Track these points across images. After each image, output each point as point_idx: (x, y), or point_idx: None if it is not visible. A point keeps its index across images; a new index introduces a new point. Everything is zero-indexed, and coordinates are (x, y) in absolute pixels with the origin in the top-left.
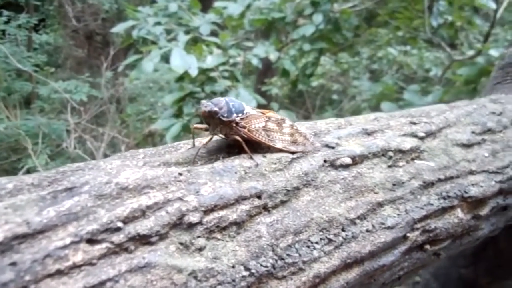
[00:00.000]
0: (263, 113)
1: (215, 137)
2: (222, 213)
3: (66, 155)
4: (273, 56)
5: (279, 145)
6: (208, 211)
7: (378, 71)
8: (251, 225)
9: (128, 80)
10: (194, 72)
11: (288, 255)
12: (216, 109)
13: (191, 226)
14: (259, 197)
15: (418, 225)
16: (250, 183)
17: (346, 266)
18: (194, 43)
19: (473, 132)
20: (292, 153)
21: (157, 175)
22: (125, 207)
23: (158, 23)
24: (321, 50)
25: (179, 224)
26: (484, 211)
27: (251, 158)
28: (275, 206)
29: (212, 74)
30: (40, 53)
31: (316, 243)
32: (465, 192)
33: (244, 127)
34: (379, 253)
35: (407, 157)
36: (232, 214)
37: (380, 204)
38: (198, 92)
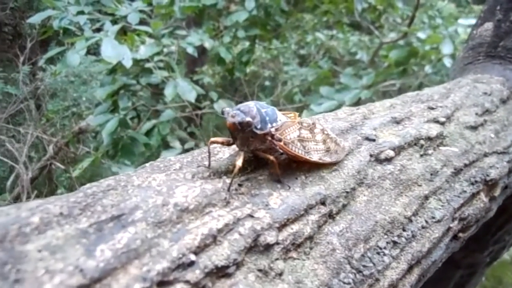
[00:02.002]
0: (293, 119)
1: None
2: (295, 227)
3: None
4: (208, 44)
5: (315, 157)
6: (281, 226)
7: (306, 56)
8: (321, 236)
9: (52, 73)
10: (128, 63)
11: (364, 266)
12: (248, 119)
13: (267, 247)
14: (323, 203)
15: (457, 214)
16: (313, 189)
17: (409, 269)
18: (123, 33)
19: (476, 114)
20: (328, 165)
21: (217, 189)
22: (194, 234)
23: (81, 12)
24: (255, 36)
25: (254, 246)
26: (497, 192)
27: (279, 181)
28: (338, 212)
29: (147, 65)
30: None
31: (385, 248)
32: (487, 175)
33: (280, 140)
34: (432, 250)
35: (434, 144)
36: (305, 227)
37: (426, 197)
38: (133, 85)
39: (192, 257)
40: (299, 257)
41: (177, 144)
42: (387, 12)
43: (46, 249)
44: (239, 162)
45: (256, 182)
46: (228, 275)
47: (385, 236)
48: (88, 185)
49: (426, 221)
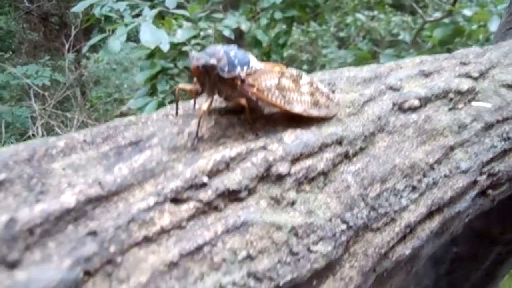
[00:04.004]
0: (273, 68)
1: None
2: (308, 162)
3: None
4: (244, 26)
5: (297, 108)
6: (294, 160)
7: (345, 38)
8: (336, 174)
9: (95, 61)
10: (165, 47)
11: (379, 205)
12: (213, 61)
13: (279, 178)
14: (340, 143)
15: (485, 169)
16: (329, 129)
17: (429, 214)
18: (161, 17)
19: None
20: (315, 119)
21: (232, 123)
22: (207, 159)
23: None
24: (293, 18)
25: (267, 176)
26: None
27: (251, 129)
28: (355, 154)
29: (184, 48)
30: None
31: (403, 190)
32: None
33: (253, 86)
34: (456, 199)
35: (465, 98)
36: (319, 163)
37: (452, 148)
38: (171, 68)
39: (205, 179)
40: (312, 190)
41: None
42: None
43: (70, 167)
44: (204, 106)
45: (271, 119)
46: (240, 199)
47: (404, 180)
48: (114, 120)
49: (450, 171)
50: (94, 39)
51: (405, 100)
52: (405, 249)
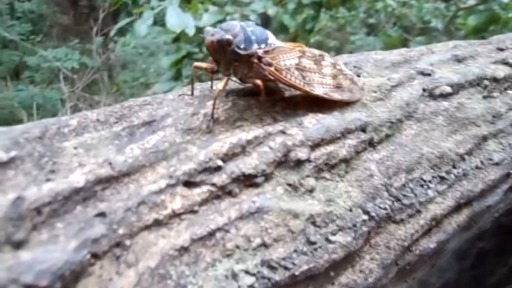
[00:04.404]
0: (293, 47)
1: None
2: (330, 148)
3: None
4: (271, 11)
5: (318, 90)
6: (315, 145)
7: (375, 25)
8: (359, 162)
9: (122, 44)
10: (191, 31)
11: (403, 195)
12: (228, 36)
13: (298, 164)
14: (363, 130)
15: None
16: (353, 114)
17: (457, 207)
18: (187, 1)
19: None
20: (338, 103)
21: (250, 105)
22: (222, 142)
23: None
24: (321, 3)
25: (285, 162)
26: None
27: (261, 118)
28: (380, 141)
29: None
30: (24, 22)
31: (430, 181)
32: None
33: (270, 65)
34: (486, 193)
35: (501, 86)
36: (341, 150)
37: (485, 138)
38: (196, 53)
39: (219, 162)
40: (333, 178)
41: None
42: None
43: (82, 146)
44: (219, 85)
45: (291, 102)
46: (256, 185)
47: (432, 170)
48: (129, 100)
49: (482, 162)
50: (121, 23)
51: (436, 86)
52: (429, 243)
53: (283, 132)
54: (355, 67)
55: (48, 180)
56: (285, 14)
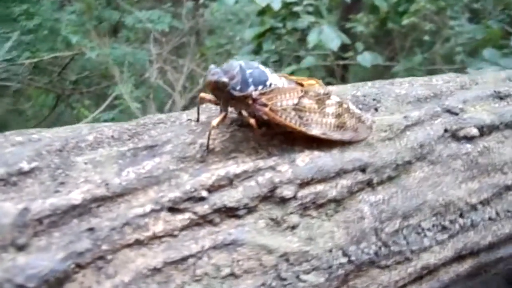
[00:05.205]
0: (301, 84)
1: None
2: (319, 187)
3: (148, 85)
4: None
5: (316, 130)
6: (304, 184)
7: (479, 10)
8: (352, 203)
9: (211, 12)
10: (277, 6)
11: (394, 242)
12: (224, 79)
13: (283, 200)
14: (363, 170)
15: None
16: (353, 154)
17: (459, 257)
18: None
19: None
20: (339, 142)
21: (247, 137)
22: (211, 173)
23: None
24: None
25: (270, 197)
26: None
27: (257, 150)
28: (381, 182)
29: (296, 8)
30: None
31: (428, 229)
32: None
33: (265, 105)
34: (497, 245)
35: None
36: (331, 190)
37: (509, 188)
38: (279, 28)
39: (204, 193)
40: (319, 216)
41: None
42: None
43: (91, 162)
44: (214, 122)
45: (291, 137)
46: (238, 216)
47: (433, 218)
48: (146, 117)
49: (497, 213)
50: None
51: (462, 127)
52: None
53: (273, 168)
54: (374, 99)
55: (56, 191)
56: None
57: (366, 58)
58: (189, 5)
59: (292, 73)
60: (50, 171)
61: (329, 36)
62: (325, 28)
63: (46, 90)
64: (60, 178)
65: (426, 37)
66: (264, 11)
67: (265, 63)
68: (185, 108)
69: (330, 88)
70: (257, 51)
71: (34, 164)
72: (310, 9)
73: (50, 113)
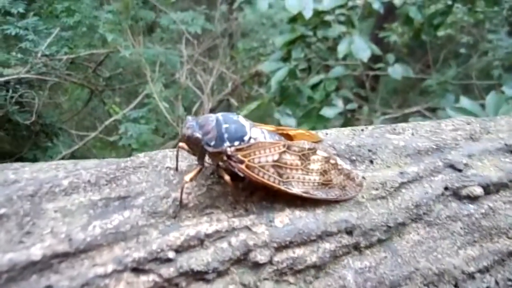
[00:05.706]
0: (289, 135)
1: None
2: (298, 252)
3: (177, 86)
4: (397, 0)
5: (297, 189)
6: (281, 247)
7: None
8: (335, 268)
9: (244, 16)
10: (308, 14)
11: None
12: (197, 135)
13: (257, 265)
14: (349, 233)
15: None
16: (340, 214)
17: None
18: None
19: None
20: (320, 201)
21: (225, 192)
22: (180, 232)
23: None
24: None
25: (244, 260)
26: None
27: (235, 206)
28: (369, 246)
29: (327, 17)
30: None
31: None
32: None
33: (241, 162)
34: None
35: None
36: (311, 255)
37: None
38: (309, 36)
39: (171, 254)
40: (297, 283)
41: (339, 103)
42: None
43: (61, 211)
44: (187, 177)
45: (272, 193)
46: (206, 280)
47: None
48: (126, 158)
49: (497, 282)
50: None
51: (465, 185)
52: None
53: (248, 229)
54: (369, 150)
55: (20, 242)
56: (413, 6)
57: (396, 70)
58: (223, 8)
59: (320, 82)
60: (18, 219)
61: (359, 47)
62: (356, 38)
63: (81, 85)
64: (27, 227)
65: (462, 50)
66: (295, 19)
67: (293, 71)
68: (212, 110)
69: (322, 135)
70: (286, 58)
71: (2, 211)
72: (342, 18)
73: (83, 107)
